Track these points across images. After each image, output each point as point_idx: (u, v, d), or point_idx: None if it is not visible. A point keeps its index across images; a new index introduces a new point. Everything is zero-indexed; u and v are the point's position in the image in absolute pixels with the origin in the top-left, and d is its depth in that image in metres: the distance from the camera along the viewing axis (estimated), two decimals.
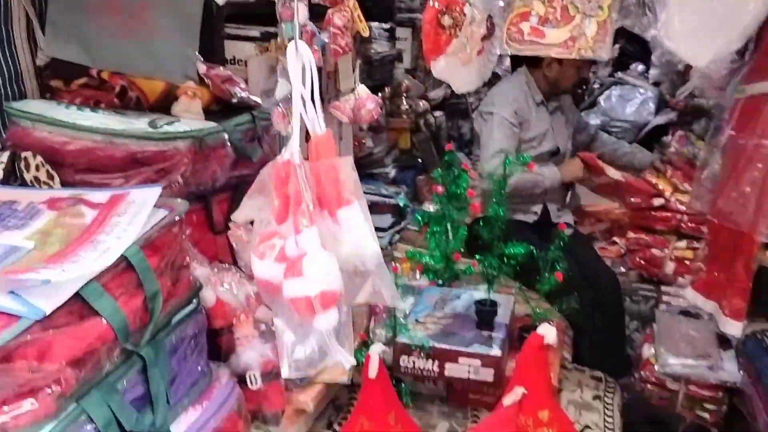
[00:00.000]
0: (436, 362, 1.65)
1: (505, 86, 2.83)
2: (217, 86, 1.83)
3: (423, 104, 3.92)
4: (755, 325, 2.40)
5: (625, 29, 3.87)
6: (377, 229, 3.12)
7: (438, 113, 4.15)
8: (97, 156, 1.43)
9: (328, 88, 2.53)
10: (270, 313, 1.59)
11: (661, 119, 3.14)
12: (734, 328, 2.40)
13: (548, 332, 1.49)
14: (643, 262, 2.87)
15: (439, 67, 1.62)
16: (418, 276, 2.07)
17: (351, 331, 1.02)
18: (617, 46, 4.11)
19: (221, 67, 1.90)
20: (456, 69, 1.78)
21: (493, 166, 2.61)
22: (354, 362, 1.01)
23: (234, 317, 1.51)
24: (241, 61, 2.12)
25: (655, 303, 2.80)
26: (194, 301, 1.35)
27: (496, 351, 1.63)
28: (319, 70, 2.47)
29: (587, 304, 2.36)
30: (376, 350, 1.45)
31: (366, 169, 3.49)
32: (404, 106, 3.75)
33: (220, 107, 1.85)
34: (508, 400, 1.45)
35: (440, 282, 2.02)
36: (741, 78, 2.56)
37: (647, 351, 2.57)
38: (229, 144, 1.64)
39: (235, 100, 1.83)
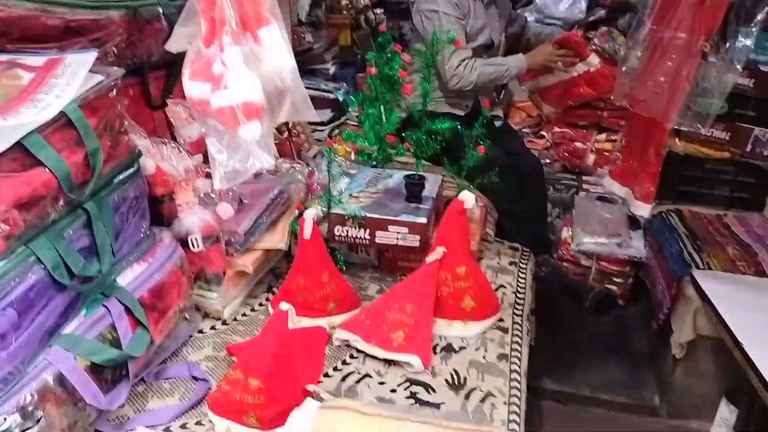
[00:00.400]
0: (368, 230, 1.79)
1: None
2: None
3: (363, 0, 3.91)
4: (662, 206, 2.63)
5: None
6: (317, 123, 3.21)
7: (379, 10, 4.15)
8: (31, 24, 1.43)
9: None
10: (208, 183, 1.69)
11: (591, 16, 3.25)
12: (643, 210, 2.64)
13: (468, 198, 1.63)
14: (566, 154, 3.06)
15: None
16: (353, 157, 2.17)
17: (272, 142, 1.12)
18: None
19: None
20: None
21: (454, 65, 2.65)
22: (273, 163, 1.11)
23: (174, 185, 1.58)
24: None
25: (575, 191, 3.01)
26: (134, 165, 1.41)
27: (422, 219, 1.77)
28: None
29: (512, 188, 2.54)
30: (311, 214, 1.57)
31: (306, 64, 3.51)
32: (344, 1, 3.74)
33: None
34: (431, 258, 1.61)
35: (374, 163, 2.12)
36: None
37: (565, 233, 2.79)
38: (164, 17, 1.66)
39: None
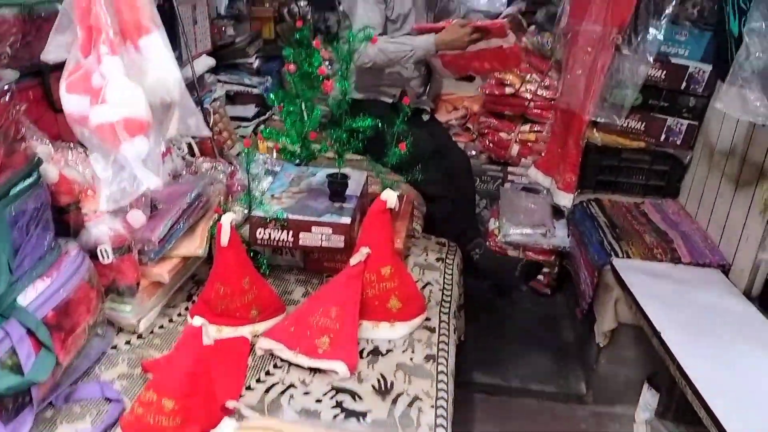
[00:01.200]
0: (291, 232, 1.74)
1: None
2: None
3: None
4: (582, 195, 2.70)
5: None
6: (241, 119, 3.11)
7: (303, 2, 4.06)
8: None
9: None
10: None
11: (511, 9, 3.27)
12: (566, 200, 2.70)
13: (390, 197, 1.61)
14: (491, 144, 3.08)
15: None
16: (275, 155, 2.11)
17: (160, 159, 1.06)
18: None
19: None
20: None
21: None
22: (159, 184, 1.05)
23: (81, 193, 1.50)
24: None
25: (501, 182, 3.04)
26: (34, 174, 1.32)
27: (346, 219, 1.74)
28: None
29: (441, 179, 2.54)
30: (228, 219, 1.51)
31: (228, 59, 3.40)
32: None
33: None
34: (355, 259, 1.58)
35: (297, 162, 2.08)
36: None
37: (492, 224, 2.83)
38: None
39: None
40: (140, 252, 1.58)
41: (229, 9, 3.39)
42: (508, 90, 3.02)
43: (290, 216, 1.74)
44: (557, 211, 2.79)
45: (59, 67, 1.66)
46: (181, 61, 2.46)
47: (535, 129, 3.02)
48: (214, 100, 2.65)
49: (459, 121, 3.32)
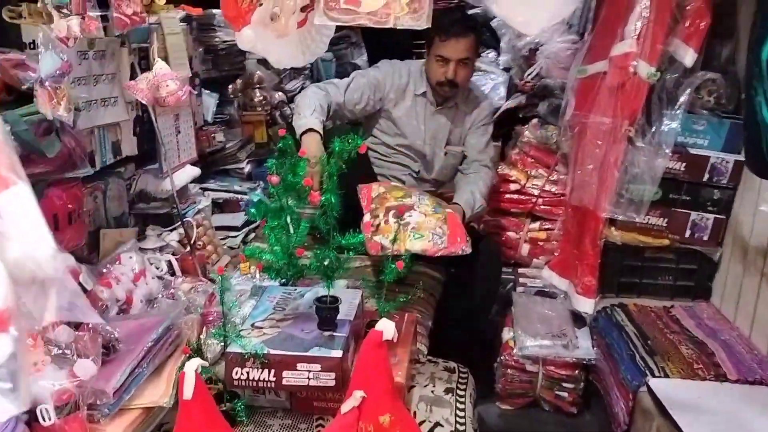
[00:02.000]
0: (273, 371, 1.49)
1: (400, 62, 2.65)
2: (6, 72, 1.57)
3: (279, 95, 3.74)
4: (605, 300, 2.44)
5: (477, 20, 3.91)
6: (230, 228, 2.92)
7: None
8: None
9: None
10: (69, 332, 1.37)
11: (511, 102, 3.16)
12: (587, 306, 2.43)
13: (386, 328, 1.38)
14: (499, 245, 2.86)
15: (245, 39, 1.43)
16: (258, 276, 1.90)
17: (27, 363, 0.81)
18: None
19: (12, 52, 1.65)
20: (269, 41, 1.61)
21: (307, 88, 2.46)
22: (24, 408, 0.80)
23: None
24: None
25: (513, 286, 2.80)
26: None
27: (336, 352, 1.49)
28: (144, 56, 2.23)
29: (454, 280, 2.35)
30: (191, 367, 1.27)
31: (218, 165, 3.27)
32: (258, 97, 3.55)
33: (15, 96, 1.59)
34: (347, 406, 1.33)
35: (283, 281, 1.86)
36: (581, 58, 2.60)
37: (507, 334, 2.55)
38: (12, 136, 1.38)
39: (25, 87, 1.57)
40: (90, 407, 1.33)
41: (218, 115, 3.29)
42: (513, 186, 2.84)
43: (271, 351, 1.49)
44: (578, 318, 2.52)
45: None
46: (161, 174, 2.31)
47: (546, 226, 2.81)
48: (198, 212, 2.46)
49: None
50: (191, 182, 2.60)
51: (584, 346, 2.41)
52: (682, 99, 2.17)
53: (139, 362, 1.45)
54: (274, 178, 1.75)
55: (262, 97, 3.55)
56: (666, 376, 1.90)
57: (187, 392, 1.25)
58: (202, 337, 1.66)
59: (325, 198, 1.56)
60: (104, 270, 1.88)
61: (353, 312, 1.68)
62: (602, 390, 2.29)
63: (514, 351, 2.44)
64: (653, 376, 1.90)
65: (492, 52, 3.81)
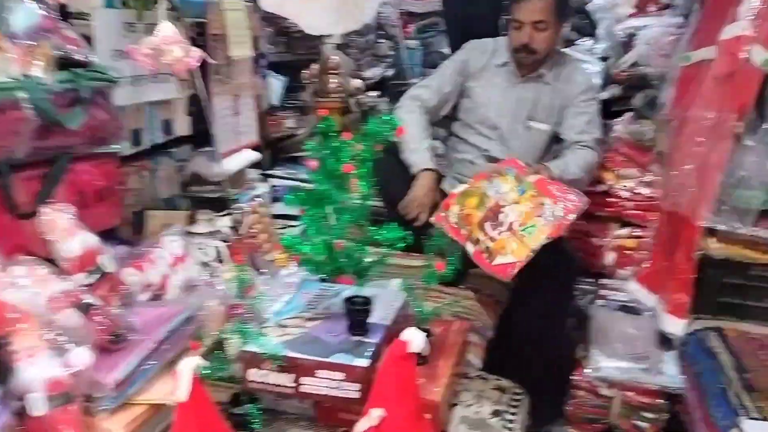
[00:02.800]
0: (292, 376, 1.34)
1: (487, 39, 2.50)
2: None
3: (356, 82, 3.59)
4: (699, 322, 2.12)
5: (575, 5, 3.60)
6: (291, 218, 2.82)
7: (374, 93, 3.83)
8: None
9: (213, 53, 2.20)
10: (75, 315, 1.28)
11: (605, 94, 2.84)
12: (676, 327, 2.12)
13: (413, 339, 1.18)
14: (581, 252, 2.58)
15: None
16: (294, 268, 1.76)
17: None
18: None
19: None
20: (298, 3, 1.44)
21: (400, 103, 2.40)
22: None
23: (14, 323, 1.18)
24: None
25: (593, 298, 2.51)
26: None
27: (362, 361, 1.31)
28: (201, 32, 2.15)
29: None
30: (188, 366, 1.13)
31: (287, 152, 3.18)
32: (333, 84, 3.42)
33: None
34: (361, 426, 1.15)
35: (324, 277, 1.70)
36: (685, 43, 2.28)
37: (581, 352, 2.28)
38: (28, 105, 1.31)
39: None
40: (88, 399, 1.22)
41: (289, 101, 3.20)
42: (599, 187, 2.54)
43: (290, 353, 1.33)
44: (665, 340, 2.20)
45: (28, 164, 1.42)
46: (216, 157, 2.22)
47: (635, 233, 2.50)
48: (253, 198, 2.35)
49: None
50: (251, 167, 2.51)
51: (670, 373, 2.10)
52: None
53: (149, 354, 1.34)
54: (313, 163, 1.61)
55: (337, 84, 3.40)
56: (764, 418, 1.59)
57: (181, 393, 1.11)
58: (229, 328, 1.52)
59: (362, 186, 1.39)
60: (141, 252, 1.80)
61: (391, 314, 1.49)
62: (688, 424, 1.97)
63: (587, 371, 2.17)
64: (748, 416, 1.59)
65: (589, 40, 3.48)
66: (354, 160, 1.54)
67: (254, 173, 2.53)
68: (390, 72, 4.16)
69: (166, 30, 1.41)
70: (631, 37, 2.65)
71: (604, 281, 2.54)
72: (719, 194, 1.94)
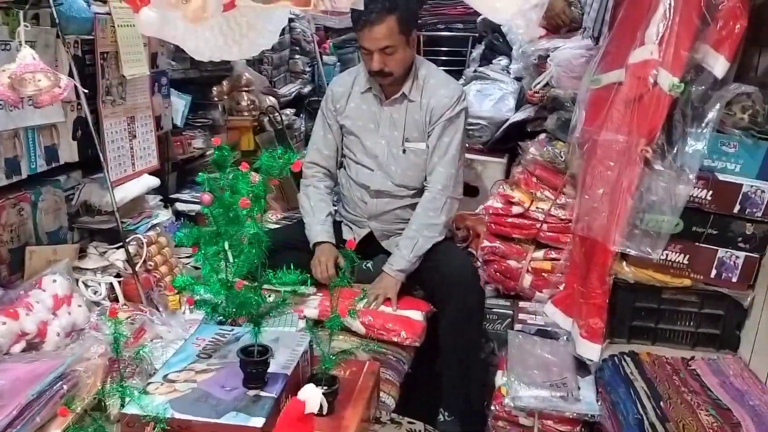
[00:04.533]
0: None
1: (349, 69, 2.46)
2: None
3: (269, 100, 3.47)
4: (615, 347, 2.11)
5: (491, 24, 3.60)
6: None
7: (290, 110, 3.71)
8: None
9: (105, 71, 2.03)
10: None
11: (519, 115, 2.84)
12: (591, 352, 2.11)
13: (310, 398, 1.07)
14: (498, 274, 2.54)
15: (146, 22, 1.14)
16: (187, 312, 1.61)
17: None
18: (482, 44, 3.83)
19: None
20: (181, 27, 1.31)
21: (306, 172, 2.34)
22: None
23: None
24: None
25: (511, 322, 2.47)
26: None
27: (257, 420, 1.19)
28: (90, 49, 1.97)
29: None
30: None
31: (195, 174, 3.00)
32: (245, 101, 3.29)
33: None
34: None
35: (222, 319, 1.56)
36: (595, 66, 2.28)
37: (500, 380, 2.22)
38: None
39: None
40: None
41: (200, 119, 3.04)
42: (515, 209, 2.51)
43: (176, 415, 1.20)
44: (582, 365, 2.18)
45: None
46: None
47: (551, 256, 2.48)
48: (152, 227, 2.18)
49: (460, 245, 2.80)
50: (151, 193, 2.33)
51: (587, 399, 2.07)
52: (710, 116, 1.84)
53: (11, 423, 1.16)
54: (207, 197, 1.46)
55: (249, 101, 3.28)
56: None
57: None
58: (105, 389, 1.36)
59: (249, 226, 1.27)
60: (17, 296, 1.61)
61: (293, 363, 1.38)
62: None
63: (506, 401, 2.11)
64: None
65: (504, 59, 3.50)
66: (250, 193, 1.41)
67: (155, 200, 2.35)
68: (307, 89, 4.05)
69: (26, 57, 1.24)
70: (543, 58, 2.65)
71: (523, 304, 2.50)
72: (630, 218, 1.94)
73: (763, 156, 1.86)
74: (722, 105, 1.85)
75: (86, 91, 1.70)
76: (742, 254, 1.95)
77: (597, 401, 2.04)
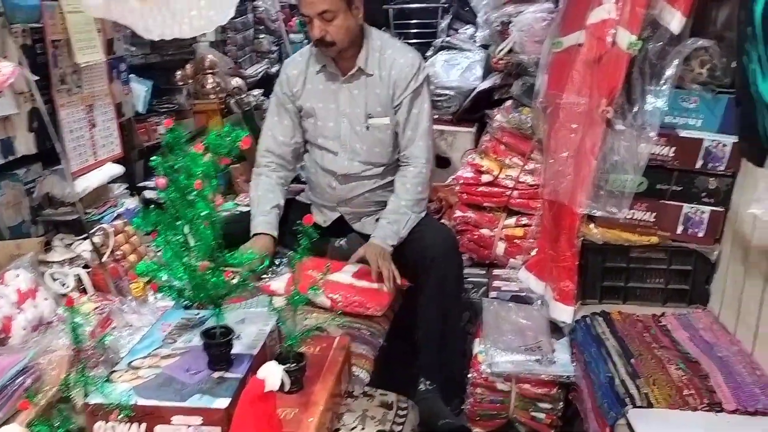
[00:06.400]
0: (144, 426, 1.19)
1: (300, 50, 2.38)
2: None
3: (236, 81, 3.43)
4: (587, 308, 2.12)
5: None
6: None
7: (257, 91, 3.67)
8: None
9: (57, 60, 1.99)
10: None
11: (486, 83, 2.82)
12: (564, 314, 2.13)
13: (270, 375, 1.07)
14: (472, 243, 2.55)
15: (93, 4, 1.11)
16: (152, 297, 1.60)
17: None
18: (449, 13, 3.79)
19: None
20: (128, 7, 1.28)
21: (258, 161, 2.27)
22: None
23: None
24: None
25: (486, 290, 2.48)
26: None
27: (221, 401, 1.19)
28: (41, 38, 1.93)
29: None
30: None
31: None
32: (210, 84, 3.24)
33: None
34: None
35: (187, 303, 1.55)
36: (556, 29, 2.27)
37: (476, 347, 2.24)
38: None
39: None
40: None
41: (164, 104, 3.00)
42: (485, 178, 2.51)
43: (139, 401, 1.19)
44: (556, 327, 2.20)
45: None
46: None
47: (522, 222, 2.49)
48: (118, 215, 2.16)
49: (434, 216, 2.80)
50: (115, 181, 2.31)
51: (562, 361, 2.09)
52: (668, 72, 1.83)
53: None
54: (161, 181, 1.44)
55: (215, 84, 3.24)
56: (650, 405, 1.58)
57: None
58: (70, 379, 1.35)
59: (200, 206, 1.25)
60: None
61: (260, 343, 1.38)
62: (582, 414, 1.97)
63: (483, 368, 2.13)
64: (634, 405, 1.58)
65: (470, 28, 3.47)
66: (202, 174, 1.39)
67: (120, 188, 2.32)
68: (275, 68, 4.00)
69: None
70: (506, 24, 2.63)
71: (497, 272, 2.52)
72: (595, 180, 1.94)
73: (723, 109, 1.86)
74: (680, 61, 1.84)
75: (36, 77, 1.66)
76: (707, 209, 1.97)
77: (572, 362, 2.07)
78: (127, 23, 1.38)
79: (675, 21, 1.82)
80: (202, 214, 1.31)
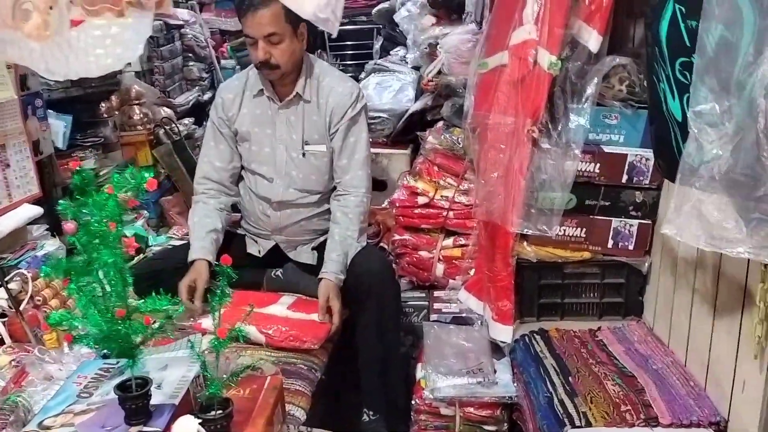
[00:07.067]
0: None
1: (237, 74, 2.33)
2: None
3: (164, 111, 3.34)
4: (525, 326, 2.13)
5: (386, 15, 3.57)
6: None
7: (188, 120, 3.58)
8: None
9: None
10: None
11: (418, 105, 2.82)
12: (503, 334, 2.13)
13: (185, 427, 1.01)
14: (412, 266, 2.53)
15: None
16: (66, 349, 1.51)
17: None
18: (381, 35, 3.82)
19: None
20: (25, 46, 1.21)
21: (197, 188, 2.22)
22: None
23: None
24: None
25: (427, 312, 2.46)
26: None
27: None
28: None
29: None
30: None
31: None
32: (137, 115, 3.15)
33: None
34: None
35: (105, 353, 1.47)
36: (481, 50, 2.29)
37: (419, 373, 2.21)
38: None
39: None
40: None
41: (88, 138, 2.89)
42: (421, 200, 2.50)
43: None
44: (497, 347, 2.19)
45: None
46: None
47: (460, 242, 2.48)
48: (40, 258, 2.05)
49: (372, 241, 2.77)
50: (33, 223, 2.19)
51: (504, 381, 2.08)
52: (589, 90, 1.87)
53: None
54: (69, 226, 1.36)
55: (142, 115, 3.15)
56: (588, 424, 1.58)
57: None
58: None
59: (105, 255, 1.19)
60: None
61: (182, 391, 1.31)
62: None
63: (426, 393, 2.10)
64: (573, 425, 1.58)
65: (401, 49, 3.48)
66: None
67: (39, 230, 2.21)
68: (207, 95, 3.92)
69: None
70: (433, 46, 2.64)
71: (438, 294, 2.50)
72: (525, 199, 1.95)
73: (645, 125, 1.90)
74: (599, 78, 1.88)
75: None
76: (635, 222, 2.00)
77: (513, 382, 2.06)
78: (27, 65, 1.31)
79: (592, 40, 1.85)
80: (109, 261, 1.23)
